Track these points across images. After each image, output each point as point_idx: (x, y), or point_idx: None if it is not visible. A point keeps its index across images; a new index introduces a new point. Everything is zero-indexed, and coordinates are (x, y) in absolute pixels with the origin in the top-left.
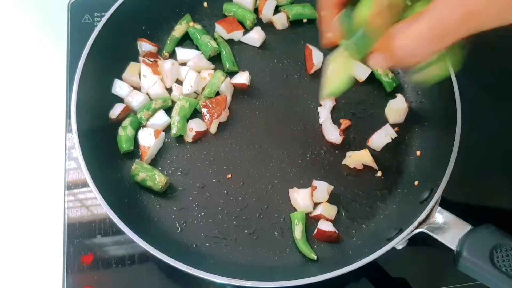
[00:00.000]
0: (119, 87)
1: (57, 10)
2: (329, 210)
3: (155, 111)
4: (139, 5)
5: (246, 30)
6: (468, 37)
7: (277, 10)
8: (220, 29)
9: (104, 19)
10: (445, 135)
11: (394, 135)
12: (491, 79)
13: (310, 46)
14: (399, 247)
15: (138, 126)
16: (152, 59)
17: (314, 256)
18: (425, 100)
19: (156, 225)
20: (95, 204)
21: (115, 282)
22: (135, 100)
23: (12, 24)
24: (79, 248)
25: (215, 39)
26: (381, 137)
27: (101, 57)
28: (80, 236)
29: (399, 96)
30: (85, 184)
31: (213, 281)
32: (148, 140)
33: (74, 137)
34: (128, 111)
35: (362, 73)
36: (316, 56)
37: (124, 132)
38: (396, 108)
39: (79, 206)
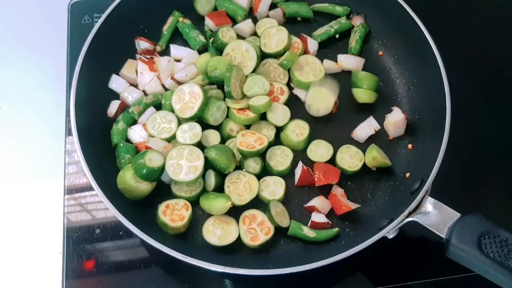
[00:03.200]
0: (115, 83)
1: (57, 11)
2: (323, 204)
3: (146, 106)
4: (136, 5)
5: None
6: None
7: (274, 6)
8: (209, 22)
9: (102, 18)
10: (436, 128)
11: (378, 127)
12: (480, 73)
13: (305, 35)
14: (390, 236)
15: (131, 120)
16: (148, 57)
17: (337, 229)
18: (416, 95)
19: (155, 218)
20: (95, 208)
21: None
22: (131, 95)
23: (13, 24)
24: (79, 251)
25: (204, 34)
26: (365, 129)
27: (100, 55)
28: (79, 240)
29: (396, 109)
30: (85, 188)
31: (208, 269)
32: (140, 135)
33: (73, 133)
34: (125, 107)
35: (357, 64)
36: (311, 44)
37: (116, 126)
38: (395, 121)
39: (79, 210)
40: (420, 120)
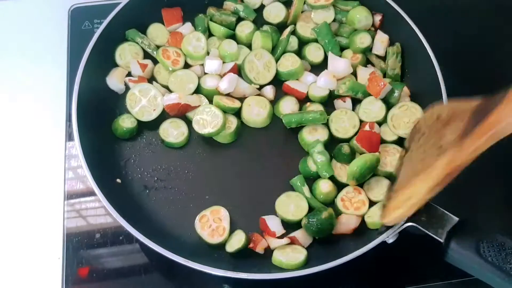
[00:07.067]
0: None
1: (57, 17)
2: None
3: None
4: (137, 11)
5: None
6: None
7: None
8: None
9: (103, 24)
10: None
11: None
12: (476, 75)
13: None
14: (390, 241)
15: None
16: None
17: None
18: (414, 100)
19: (155, 223)
20: (96, 214)
21: None
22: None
23: (14, 29)
24: (78, 257)
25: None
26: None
27: (101, 60)
28: (79, 245)
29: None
30: (85, 194)
31: (209, 273)
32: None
33: (75, 139)
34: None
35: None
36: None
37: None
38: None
39: (79, 216)
40: None
